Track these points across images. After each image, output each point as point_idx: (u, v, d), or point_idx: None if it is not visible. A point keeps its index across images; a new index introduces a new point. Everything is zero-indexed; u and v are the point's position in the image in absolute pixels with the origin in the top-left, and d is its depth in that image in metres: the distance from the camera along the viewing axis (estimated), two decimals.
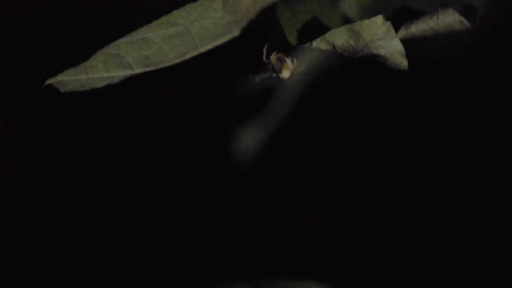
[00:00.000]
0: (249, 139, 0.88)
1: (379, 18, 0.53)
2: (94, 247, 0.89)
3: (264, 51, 0.57)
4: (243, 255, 0.88)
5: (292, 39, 0.57)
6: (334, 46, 0.54)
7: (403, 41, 0.55)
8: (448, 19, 0.55)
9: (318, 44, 0.54)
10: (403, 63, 0.54)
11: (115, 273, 0.89)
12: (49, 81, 0.55)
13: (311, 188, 0.87)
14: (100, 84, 0.56)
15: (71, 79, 0.55)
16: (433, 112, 0.85)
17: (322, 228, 0.87)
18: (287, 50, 0.84)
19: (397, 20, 0.56)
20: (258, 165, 0.88)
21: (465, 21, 0.55)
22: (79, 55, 0.56)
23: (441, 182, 0.85)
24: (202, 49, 0.58)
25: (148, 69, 0.57)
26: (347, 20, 0.61)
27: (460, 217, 0.84)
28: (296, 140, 0.88)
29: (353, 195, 0.86)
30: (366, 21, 0.53)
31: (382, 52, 0.54)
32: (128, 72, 0.56)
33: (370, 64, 0.55)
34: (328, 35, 0.54)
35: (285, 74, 0.58)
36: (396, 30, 0.55)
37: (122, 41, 0.55)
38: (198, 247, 0.89)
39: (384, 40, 0.53)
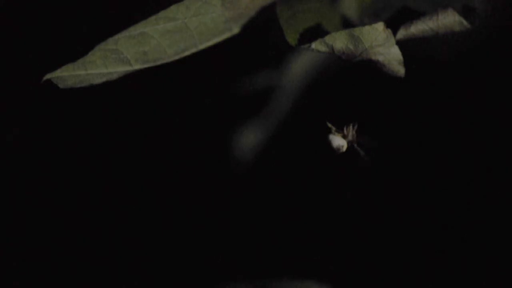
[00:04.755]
0: (249, 139, 0.88)
1: (379, 25, 0.53)
2: (94, 247, 0.89)
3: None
4: (243, 255, 0.88)
5: (291, 39, 0.57)
6: (333, 49, 0.54)
7: (403, 42, 0.55)
8: (448, 20, 0.55)
9: (317, 46, 0.54)
10: (400, 70, 0.54)
11: (115, 273, 0.89)
12: (48, 76, 0.55)
13: (311, 188, 0.88)
14: (99, 80, 0.56)
15: (70, 75, 0.55)
16: (433, 112, 0.85)
17: (322, 228, 0.87)
18: (286, 49, 0.85)
19: (397, 20, 0.57)
20: (258, 165, 0.88)
21: (465, 22, 0.55)
22: (77, 50, 0.56)
23: (442, 183, 0.85)
24: (202, 46, 0.58)
25: (147, 65, 0.57)
26: (346, 20, 0.61)
27: (459, 217, 0.84)
28: (295, 140, 0.88)
29: (353, 195, 0.86)
30: (367, 27, 0.53)
31: (380, 58, 0.54)
32: (127, 68, 0.56)
33: (367, 69, 0.55)
34: (327, 38, 0.54)
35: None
36: (396, 30, 0.55)
37: (120, 36, 0.55)
38: (198, 247, 0.89)
39: (383, 47, 0.53)
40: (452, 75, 0.85)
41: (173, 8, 0.55)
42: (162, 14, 0.55)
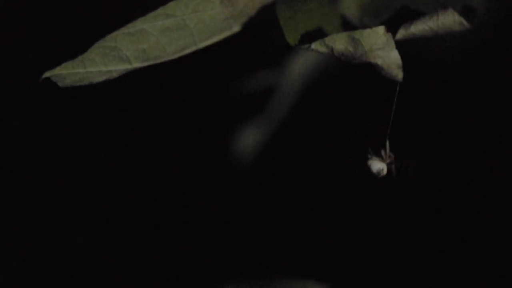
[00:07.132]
0: (249, 139, 0.88)
1: (380, 29, 0.53)
2: (93, 247, 0.89)
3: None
4: (243, 255, 0.88)
5: (291, 39, 0.57)
6: (332, 50, 0.54)
7: (402, 42, 0.55)
8: (448, 20, 0.55)
9: (317, 46, 0.54)
10: (399, 74, 0.54)
11: (115, 273, 0.89)
12: (47, 74, 0.55)
13: (310, 188, 0.87)
14: (98, 79, 0.55)
15: (69, 73, 0.55)
16: (432, 112, 0.85)
17: (322, 228, 0.87)
18: (286, 49, 0.85)
19: (397, 20, 0.56)
20: (258, 165, 0.88)
21: (465, 22, 0.55)
22: (76, 46, 0.56)
23: (442, 183, 0.85)
24: (201, 45, 0.57)
25: (147, 63, 0.56)
26: (346, 20, 0.61)
27: (458, 218, 0.84)
28: (295, 140, 0.88)
29: (353, 195, 0.86)
30: (368, 30, 0.53)
31: (379, 61, 0.54)
32: (126, 66, 0.56)
33: (366, 71, 0.55)
34: (327, 39, 0.54)
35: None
36: (396, 30, 0.55)
37: (119, 32, 0.55)
38: (198, 247, 0.89)
39: (383, 50, 0.53)
40: (451, 75, 0.85)
41: (171, 4, 0.55)
42: (160, 10, 0.55)
